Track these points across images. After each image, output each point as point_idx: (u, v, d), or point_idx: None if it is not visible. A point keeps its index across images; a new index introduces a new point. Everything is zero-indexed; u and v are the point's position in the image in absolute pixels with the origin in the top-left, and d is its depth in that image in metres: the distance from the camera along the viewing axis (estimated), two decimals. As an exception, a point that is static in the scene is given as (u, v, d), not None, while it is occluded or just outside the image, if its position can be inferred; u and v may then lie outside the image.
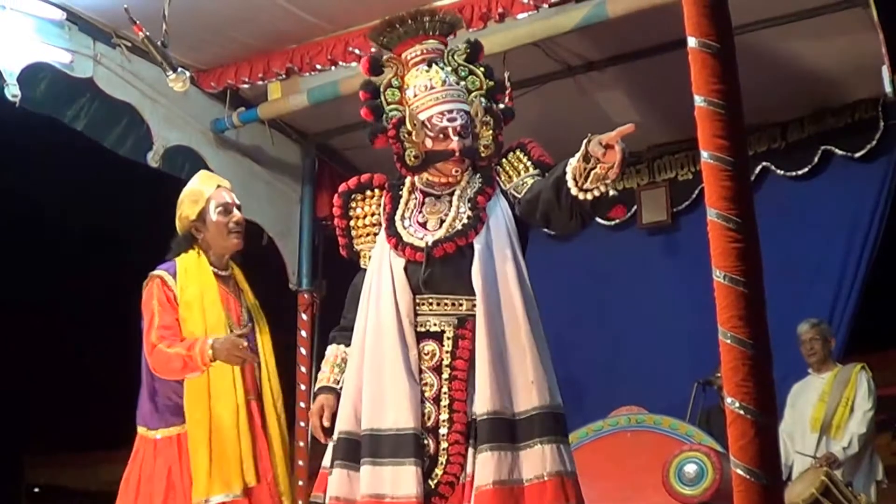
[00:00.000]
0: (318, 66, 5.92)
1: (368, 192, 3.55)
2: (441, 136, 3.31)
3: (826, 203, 6.69)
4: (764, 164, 6.76)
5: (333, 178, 7.23)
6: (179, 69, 4.47)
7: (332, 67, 5.90)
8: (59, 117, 5.80)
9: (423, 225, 3.37)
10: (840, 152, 6.62)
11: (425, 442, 3.18)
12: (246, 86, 6.28)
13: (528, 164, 3.42)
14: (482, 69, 3.46)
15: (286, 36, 5.97)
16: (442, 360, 3.23)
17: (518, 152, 3.45)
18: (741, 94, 2.47)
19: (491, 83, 3.45)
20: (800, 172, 6.77)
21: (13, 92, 5.24)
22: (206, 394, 3.79)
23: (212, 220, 3.99)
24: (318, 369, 6.54)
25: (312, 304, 6.90)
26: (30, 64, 5.36)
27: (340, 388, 3.38)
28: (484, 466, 3.09)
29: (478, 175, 3.40)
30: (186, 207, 4.02)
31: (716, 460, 5.30)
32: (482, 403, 3.13)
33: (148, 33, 4.35)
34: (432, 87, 3.36)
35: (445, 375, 3.22)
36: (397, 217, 3.41)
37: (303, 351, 6.80)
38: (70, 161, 7.44)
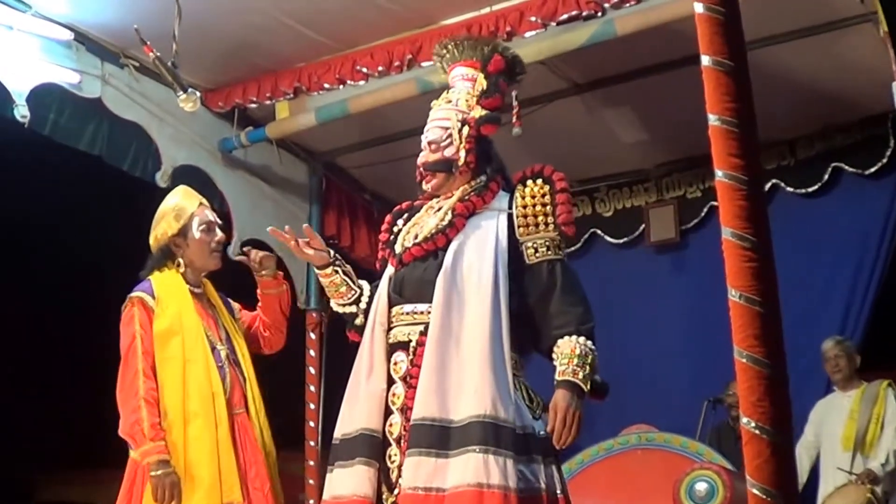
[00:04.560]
0: (326, 85, 5.91)
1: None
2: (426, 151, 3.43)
3: (836, 220, 6.67)
4: (773, 181, 6.73)
5: (341, 196, 7.26)
6: (190, 89, 4.47)
7: (340, 86, 5.90)
8: (74, 145, 5.81)
9: (416, 236, 3.39)
10: (850, 169, 6.60)
11: (391, 449, 3.19)
12: (254, 105, 6.27)
13: (551, 220, 3.27)
14: (489, 78, 3.45)
15: (294, 55, 5.98)
16: (408, 369, 3.22)
17: (545, 187, 3.30)
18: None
19: (483, 88, 3.42)
20: (809, 189, 6.75)
21: (22, 113, 5.23)
22: (182, 413, 3.71)
23: (194, 238, 3.94)
24: (327, 388, 6.63)
25: (321, 323, 6.89)
26: (38, 84, 5.36)
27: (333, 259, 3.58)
28: (407, 470, 3.08)
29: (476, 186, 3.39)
30: (167, 222, 3.94)
31: (726, 478, 5.28)
32: (416, 409, 3.11)
33: (159, 54, 4.35)
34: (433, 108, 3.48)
35: (408, 385, 3.21)
36: (402, 232, 3.45)
37: (311, 370, 6.79)
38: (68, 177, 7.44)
